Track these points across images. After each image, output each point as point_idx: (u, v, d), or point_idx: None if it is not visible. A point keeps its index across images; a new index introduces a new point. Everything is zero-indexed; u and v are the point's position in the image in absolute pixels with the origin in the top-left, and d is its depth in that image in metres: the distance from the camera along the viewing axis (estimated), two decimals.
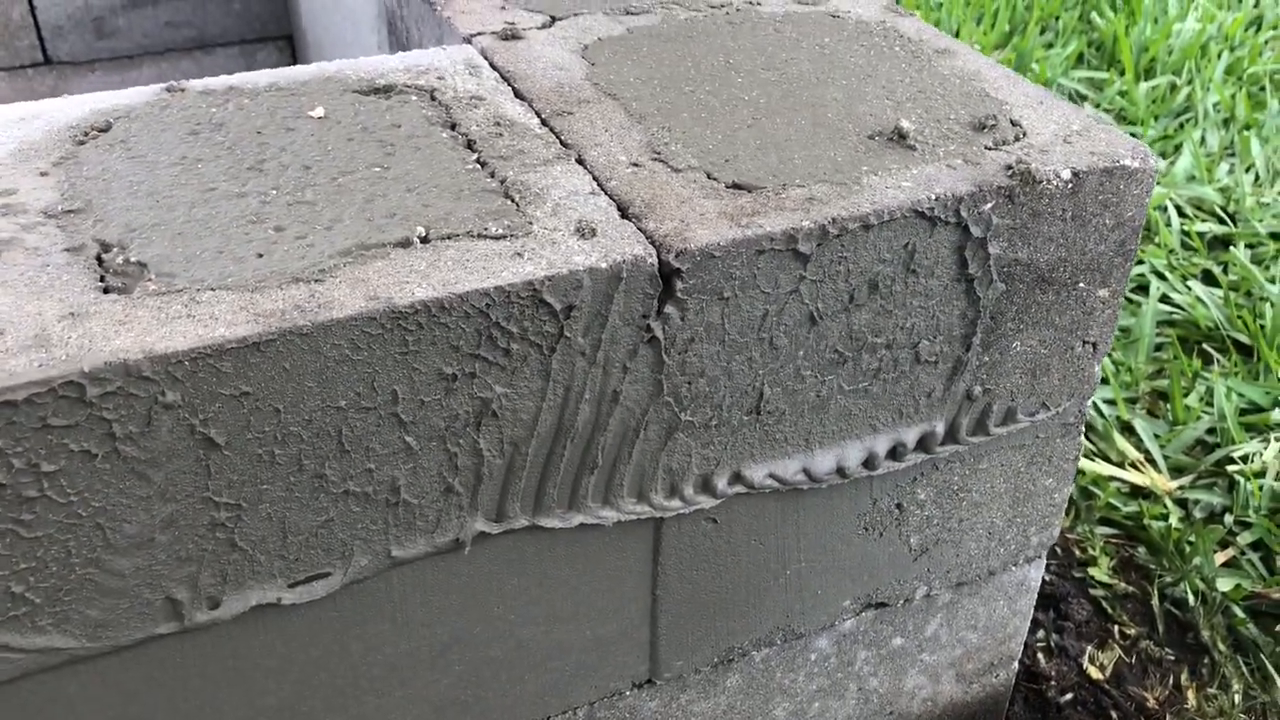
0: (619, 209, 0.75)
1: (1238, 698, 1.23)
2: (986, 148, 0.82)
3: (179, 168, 0.77)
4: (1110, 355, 1.69)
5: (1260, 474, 1.46)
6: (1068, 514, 1.46)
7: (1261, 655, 1.27)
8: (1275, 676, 1.24)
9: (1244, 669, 1.26)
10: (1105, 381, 1.65)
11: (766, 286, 0.74)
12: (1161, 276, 1.87)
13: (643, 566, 0.85)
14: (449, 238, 0.71)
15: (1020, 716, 1.25)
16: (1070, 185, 0.80)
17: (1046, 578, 1.37)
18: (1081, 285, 0.85)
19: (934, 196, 0.76)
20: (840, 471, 0.86)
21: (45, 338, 0.61)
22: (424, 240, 0.70)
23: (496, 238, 0.71)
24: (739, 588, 0.90)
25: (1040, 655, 1.30)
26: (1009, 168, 0.79)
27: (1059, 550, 1.41)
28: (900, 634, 1.02)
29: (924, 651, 1.05)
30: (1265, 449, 1.50)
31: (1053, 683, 1.27)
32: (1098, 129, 0.85)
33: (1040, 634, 1.32)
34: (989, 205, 0.78)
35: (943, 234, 0.78)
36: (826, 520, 0.90)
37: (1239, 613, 1.31)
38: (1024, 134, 0.84)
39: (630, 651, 0.89)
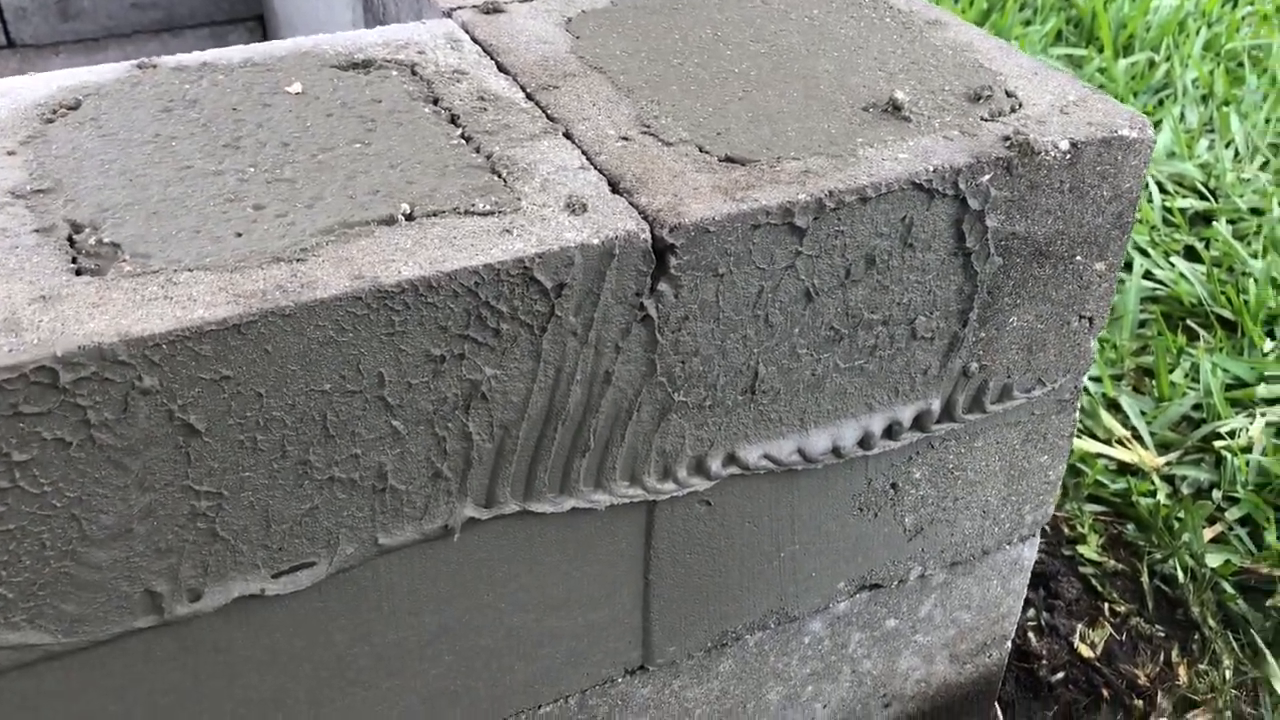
0: (609, 184, 0.73)
1: (1228, 673, 1.23)
2: (983, 119, 0.80)
3: (152, 146, 0.75)
4: None
5: (1247, 449, 1.46)
6: None
7: (1251, 630, 1.27)
8: (1265, 651, 1.24)
9: (1234, 644, 1.26)
10: None
11: (762, 262, 0.72)
12: (1144, 253, 1.86)
13: (635, 551, 0.83)
14: (435, 215, 0.69)
15: (1012, 696, 1.25)
16: (1069, 156, 0.78)
17: (1036, 556, 1.36)
18: (1078, 259, 0.84)
19: (932, 168, 0.74)
20: (836, 451, 0.84)
21: (15, 321, 0.59)
22: (409, 217, 0.68)
23: (484, 214, 0.69)
24: (732, 571, 0.88)
25: (1031, 634, 1.29)
26: (1006, 139, 0.77)
27: (1048, 529, 1.40)
28: (894, 615, 1.00)
29: (918, 632, 1.03)
30: (1251, 424, 1.49)
31: (1044, 662, 1.27)
32: (1094, 99, 0.83)
33: (1031, 613, 1.31)
34: (987, 177, 0.76)
35: (940, 207, 0.76)
36: (821, 501, 0.88)
37: (1228, 588, 1.31)
38: (1020, 105, 0.82)
39: (622, 637, 0.87)
